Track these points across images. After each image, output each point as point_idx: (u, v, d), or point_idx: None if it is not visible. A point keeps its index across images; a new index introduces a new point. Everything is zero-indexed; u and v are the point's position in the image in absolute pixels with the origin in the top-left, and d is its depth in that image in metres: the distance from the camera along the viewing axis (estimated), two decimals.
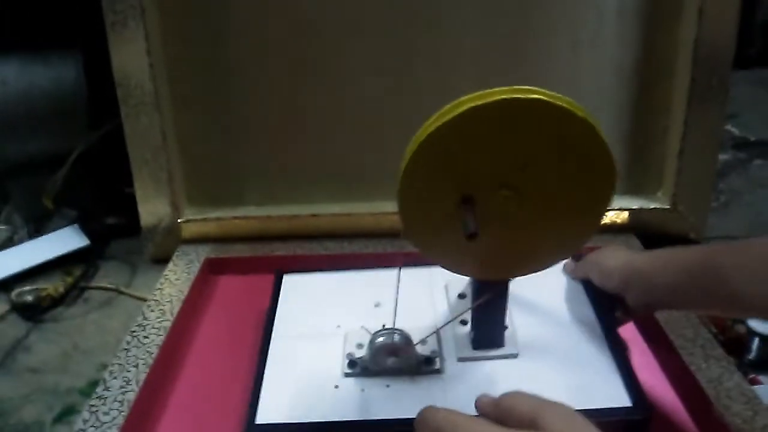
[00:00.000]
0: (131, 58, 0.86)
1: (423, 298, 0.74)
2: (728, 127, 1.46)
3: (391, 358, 0.64)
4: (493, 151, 0.51)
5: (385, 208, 0.92)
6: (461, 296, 0.73)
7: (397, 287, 0.65)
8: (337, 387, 0.64)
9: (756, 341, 0.74)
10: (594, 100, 0.92)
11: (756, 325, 0.74)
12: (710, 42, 0.85)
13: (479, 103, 0.48)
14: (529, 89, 0.48)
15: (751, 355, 0.74)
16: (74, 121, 0.99)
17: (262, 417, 0.61)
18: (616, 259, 0.66)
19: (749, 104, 1.64)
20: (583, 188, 0.53)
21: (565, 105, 0.48)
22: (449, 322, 0.67)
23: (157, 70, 0.87)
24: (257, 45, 0.89)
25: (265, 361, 0.68)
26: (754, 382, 0.68)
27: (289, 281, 0.79)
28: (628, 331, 0.76)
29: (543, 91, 0.49)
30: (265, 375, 0.66)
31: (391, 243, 0.91)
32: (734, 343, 0.76)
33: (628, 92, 0.92)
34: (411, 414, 0.59)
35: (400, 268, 0.71)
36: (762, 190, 1.16)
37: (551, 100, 0.48)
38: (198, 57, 0.90)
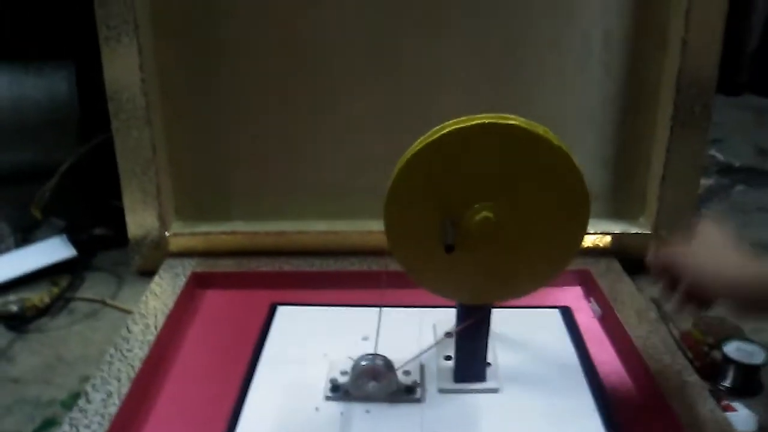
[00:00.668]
0: (123, 72, 0.87)
1: (411, 335, 0.75)
2: (713, 152, 1.48)
3: (372, 382, 0.65)
4: (473, 173, 0.54)
5: (371, 227, 0.92)
6: (448, 335, 0.73)
7: (379, 320, 0.66)
8: (317, 409, 0.65)
9: (731, 369, 0.75)
10: (579, 126, 0.94)
11: (731, 352, 0.75)
12: (693, 71, 0.87)
13: (460, 126, 0.52)
14: (508, 117, 0.51)
15: (727, 382, 0.75)
16: (65, 133, 1.00)
17: None
18: (738, 268, 0.58)
19: (736, 130, 1.67)
20: (559, 214, 0.55)
21: (540, 132, 0.51)
22: (431, 347, 0.68)
23: (149, 85, 0.88)
24: (249, 64, 0.90)
25: (251, 379, 0.69)
26: (727, 408, 0.69)
27: (282, 312, 0.81)
28: (606, 355, 0.77)
29: (521, 119, 0.51)
30: (248, 394, 0.67)
31: (377, 261, 0.92)
32: (710, 370, 0.77)
33: (612, 118, 0.94)
34: None
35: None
36: (743, 215, 1.17)
37: (528, 127, 0.51)
38: (190, 73, 0.91)
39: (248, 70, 0.91)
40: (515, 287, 0.62)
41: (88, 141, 1.00)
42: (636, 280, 0.90)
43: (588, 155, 0.95)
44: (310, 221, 0.96)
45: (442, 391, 0.67)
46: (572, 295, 0.90)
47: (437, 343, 0.70)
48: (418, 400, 0.66)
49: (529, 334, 0.77)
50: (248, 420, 0.64)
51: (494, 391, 0.67)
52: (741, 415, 0.69)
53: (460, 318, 0.65)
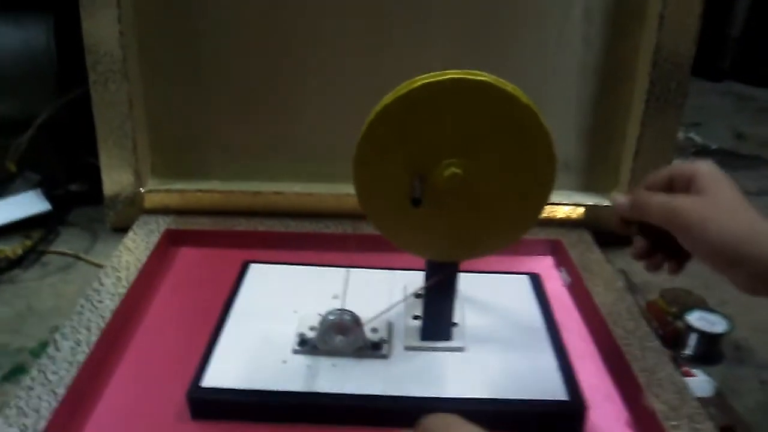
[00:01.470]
0: (102, 25, 0.86)
1: (381, 295, 0.75)
2: (692, 135, 1.50)
3: (340, 336, 0.66)
4: (442, 129, 0.54)
5: (348, 190, 0.92)
6: (417, 295, 0.73)
7: (347, 279, 0.67)
8: (285, 362, 0.66)
9: (693, 337, 0.77)
10: (558, 99, 0.95)
11: (694, 321, 0.77)
12: (670, 47, 0.88)
13: (429, 81, 0.52)
14: (478, 73, 0.52)
15: (688, 350, 0.77)
16: (42, 86, 0.99)
17: (208, 381, 0.63)
18: (735, 221, 0.48)
19: (716, 115, 1.68)
20: (526, 173, 0.56)
21: (509, 90, 0.52)
22: (398, 303, 0.69)
23: (128, 38, 0.87)
24: (230, 21, 0.90)
25: (220, 332, 0.70)
26: (686, 374, 0.71)
27: (255, 269, 0.82)
28: (573, 322, 0.79)
29: (491, 76, 0.52)
30: (217, 345, 0.68)
31: (353, 224, 0.92)
32: (673, 338, 0.78)
33: (590, 92, 0.95)
34: (352, 390, 0.62)
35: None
36: None
37: (497, 83, 0.51)
38: (169, 28, 0.90)
39: (229, 28, 0.90)
40: (482, 245, 0.63)
41: (66, 94, 0.99)
42: (606, 252, 0.91)
43: (565, 127, 0.96)
44: (286, 182, 0.96)
45: (408, 348, 0.68)
46: (543, 264, 0.91)
47: (405, 299, 0.71)
48: (384, 356, 0.67)
49: (498, 298, 0.78)
50: (215, 371, 0.64)
51: (459, 349, 0.68)
52: (699, 380, 0.71)
53: (429, 276, 0.65)
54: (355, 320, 0.66)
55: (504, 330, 0.72)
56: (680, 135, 1.48)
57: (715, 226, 0.48)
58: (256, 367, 0.65)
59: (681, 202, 0.51)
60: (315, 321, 0.68)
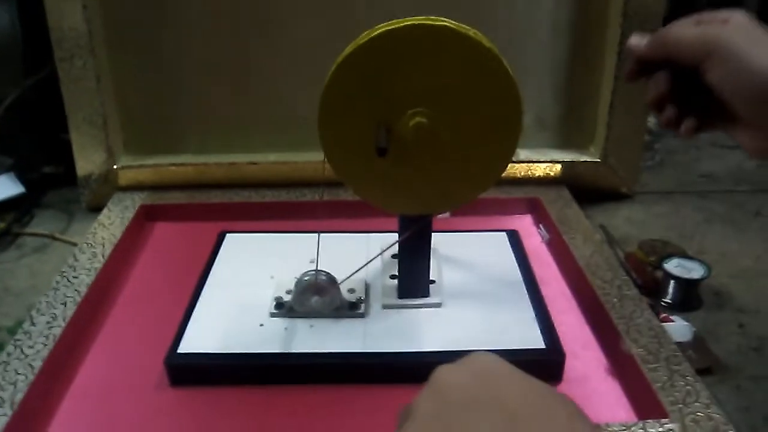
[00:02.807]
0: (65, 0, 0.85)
1: (358, 257, 0.74)
2: None
3: (316, 297, 0.66)
4: (406, 77, 0.53)
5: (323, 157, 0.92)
6: (394, 256, 0.73)
7: (319, 239, 0.66)
8: (262, 325, 0.66)
9: (671, 284, 0.77)
10: (531, 56, 0.94)
11: (671, 268, 0.77)
12: None
13: (390, 28, 0.51)
14: (439, 19, 0.51)
15: (667, 298, 0.77)
16: (8, 67, 0.98)
17: (185, 347, 0.63)
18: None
19: None
20: (493, 120, 0.55)
21: (471, 34, 0.50)
22: (372, 260, 0.68)
23: (92, 12, 0.86)
24: None
25: (197, 300, 0.70)
26: (665, 320, 0.71)
27: (230, 239, 0.81)
28: (553, 276, 0.79)
29: (453, 21, 0.50)
30: (194, 312, 0.68)
31: (329, 192, 0.92)
32: (652, 287, 0.79)
33: (563, 48, 0.94)
34: (330, 349, 0.62)
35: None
36: (695, 150, 1.19)
37: (458, 28, 0.50)
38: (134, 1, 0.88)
39: None
40: (452, 196, 0.62)
41: (33, 75, 0.98)
42: (585, 208, 0.91)
43: (539, 85, 0.96)
44: (261, 152, 0.95)
45: (385, 306, 0.68)
46: (523, 223, 0.91)
47: (380, 254, 0.71)
48: (362, 315, 0.67)
49: (476, 255, 0.78)
50: (191, 337, 0.64)
51: (437, 305, 0.68)
52: (677, 325, 0.71)
53: (402, 232, 0.65)
54: (331, 280, 0.66)
55: (482, 285, 0.72)
56: None
57: (763, 54, 0.43)
58: (233, 331, 0.65)
59: (721, 30, 0.45)
60: (292, 285, 0.68)
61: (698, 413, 0.55)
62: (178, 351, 0.62)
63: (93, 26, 0.86)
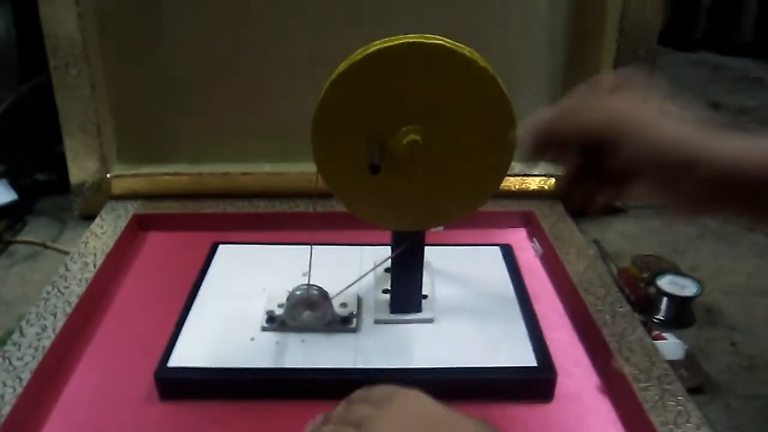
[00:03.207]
0: (59, 7, 0.84)
1: (351, 271, 0.74)
2: None
3: (308, 312, 0.66)
4: (400, 94, 0.53)
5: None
6: (387, 270, 0.73)
7: (311, 252, 0.66)
8: (253, 339, 0.66)
9: (664, 301, 0.77)
10: (526, 70, 0.94)
11: (665, 285, 0.77)
12: (637, 12, 0.88)
13: (385, 45, 0.51)
14: (434, 37, 0.51)
15: (660, 315, 0.77)
16: (3, 74, 0.97)
17: (175, 361, 0.62)
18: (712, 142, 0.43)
19: (690, 85, 1.69)
20: (487, 137, 0.55)
21: (466, 53, 0.50)
22: (364, 276, 0.68)
23: (87, 20, 0.86)
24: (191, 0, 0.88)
25: (187, 312, 0.69)
26: (658, 338, 0.71)
27: (223, 250, 0.81)
28: (546, 291, 0.79)
29: (448, 39, 0.51)
30: (184, 325, 0.67)
31: (322, 203, 0.91)
32: (645, 304, 0.79)
33: (559, 61, 0.94)
34: (321, 365, 0.62)
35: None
36: None
37: (453, 47, 0.50)
38: (129, 9, 0.88)
39: (190, 8, 0.88)
40: (444, 213, 0.62)
41: (28, 82, 0.97)
42: (579, 222, 0.91)
43: (535, 98, 0.95)
44: (255, 163, 0.95)
45: (377, 321, 0.68)
46: (517, 237, 0.91)
47: (373, 270, 0.70)
48: (354, 330, 0.66)
49: (469, 269, 0.77)
50: (182, 351, 0.64)
51: (429, 321, 0.68)
52: (670, 343, 0.71)
53: (395, 247, 0.65)
54: (323, 295, 0.66)
55: (475, 300, 0.72)
56: None
57: (668, 126, 0.43)
58: (223, 345, 0.65)
59: (630, 104, 0.45)
60: (284, 298, 0.68)
61: None
62: (168, 365, 0.62)
63: (88, 35, 0.86)
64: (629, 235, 0.96)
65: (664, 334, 0.73)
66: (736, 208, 0.45)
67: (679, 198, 0.44)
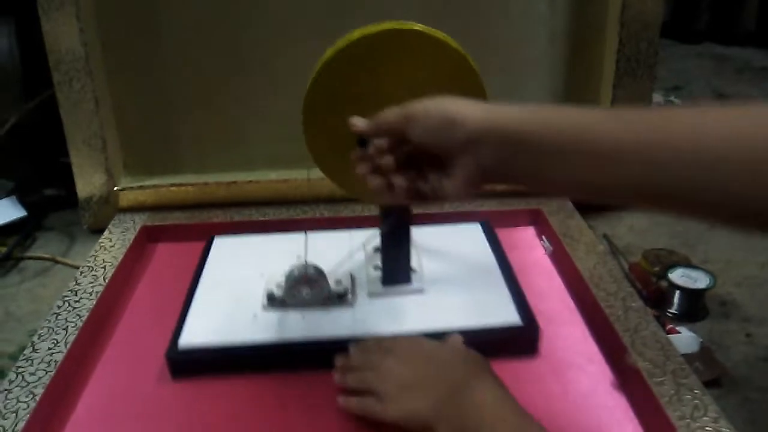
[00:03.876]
0: (61, 23, 0.85)
1: (343, 252, 0.78)
2: (672, 98, 1.50)
3: (306, 289, 0.69)
4: (382, 77, 0.58)
5: (322, 174, 0.92)
6: (376, 249, 0.77)
7: (306, 238, 0.70)
8: (255, 317, 0.69)
9: (676, 294, 0.76)
10: (528, 65, 0.94)
11: (676, 278, 0.77)
12: (638, 5, 0.87)
13: (366, 33, 0.56)
14: (411, 23, 0.56)
15: (673, 308, 0.77)
16: (7, 91, 0.98)
17: (185, 342, 0.66)
18: (468, 107, 0.47)
19: (695, 77, 1.68)
20: None
21: (440, 36, 0.55)
22: (357, 252, 0.75)
23: (89, 35, 0.86)
24: (191, 10, 0.89)
25: (192, 298, 0.73)
26: (671, 332, 0.71)
27: (220, 242, 0.84)
28: (556, 288, 0.78)
29: (423, 25, 0.56)
30: (190, 309, 0.71)
31: (328, 209, 0.92)
32: (658, 298, 0.78)
33: (561, 57, 0.94)
34: (322, 336, 0.66)
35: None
36: None
37: (426, 31, 0.55)
38: (131, 22, 0.89)
39: (191, 17, 0.89)
40: None
41: (33, 98, 0.98)
42: (587, 218, 0.90)
43: (538, 94, 0.95)
44: (260, 171, 0.95)
45: (371, 295, 0.72)
46: (525, 234, 0.91)
47: (364, 246, 0.76)
48: (349, 305, 0.70)
49: (453, 245, 0.82)
50: (191, 330, 0.67)
51: (419, 291, 0.72)
52: (684, 336, 0.70)
53: (383, 220, 0.68)
54: (320, 272, 0.69)
55: (460, 271, 0.76)
56: (661, 99, 1.48)
57: (448, 103, 0.48)
58: (228, 324, 0.68)
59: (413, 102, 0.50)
60: (282, 280, 0.71)
61: (706, 428, 0.54)
62: (179, 346, 0.65)
63: (90, 49, 0.87)
64: (639, 229, 0.95)
65: (677, 328, 0.72)
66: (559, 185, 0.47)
67: (465, 169, 0.47)
